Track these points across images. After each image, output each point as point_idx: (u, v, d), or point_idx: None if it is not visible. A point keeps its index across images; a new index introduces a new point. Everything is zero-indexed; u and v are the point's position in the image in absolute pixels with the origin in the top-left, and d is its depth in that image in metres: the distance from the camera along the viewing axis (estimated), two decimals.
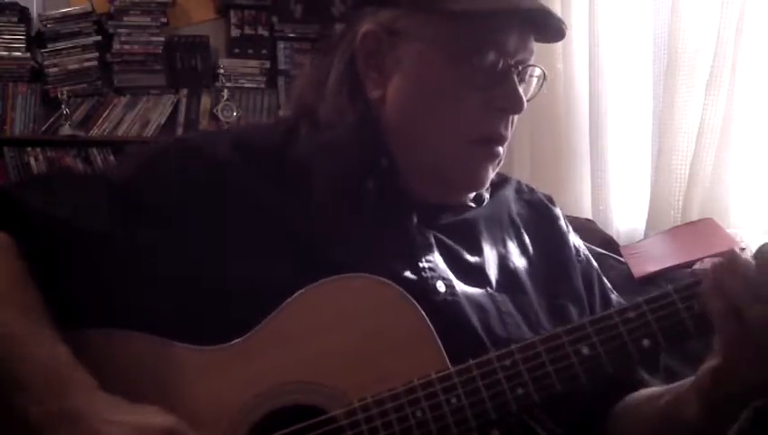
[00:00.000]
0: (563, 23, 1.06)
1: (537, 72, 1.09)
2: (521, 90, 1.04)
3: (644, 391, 1.09)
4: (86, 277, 0.98)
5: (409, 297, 0.92)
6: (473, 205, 1.13)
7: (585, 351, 0.89)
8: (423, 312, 0.92)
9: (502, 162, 1.10)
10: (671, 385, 1.02)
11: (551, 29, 1.06)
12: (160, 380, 0.94)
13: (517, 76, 1.04)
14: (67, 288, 0.97)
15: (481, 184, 1.09)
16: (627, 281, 1.98)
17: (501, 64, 1.02)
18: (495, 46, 1.02)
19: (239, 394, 0.92)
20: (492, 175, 1.09)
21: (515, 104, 1.04)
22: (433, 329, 0.92)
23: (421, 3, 1.03)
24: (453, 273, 1.04)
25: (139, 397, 0.90)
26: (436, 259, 1.03)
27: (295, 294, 0.94)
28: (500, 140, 1.06)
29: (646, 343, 0.88)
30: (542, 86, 1.10)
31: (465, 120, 1.03)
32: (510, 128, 1.07)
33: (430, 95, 1.04)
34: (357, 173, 1.04)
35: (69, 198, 1.03)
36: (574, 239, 1.21)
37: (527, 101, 1.07)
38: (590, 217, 2.64)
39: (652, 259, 2.13)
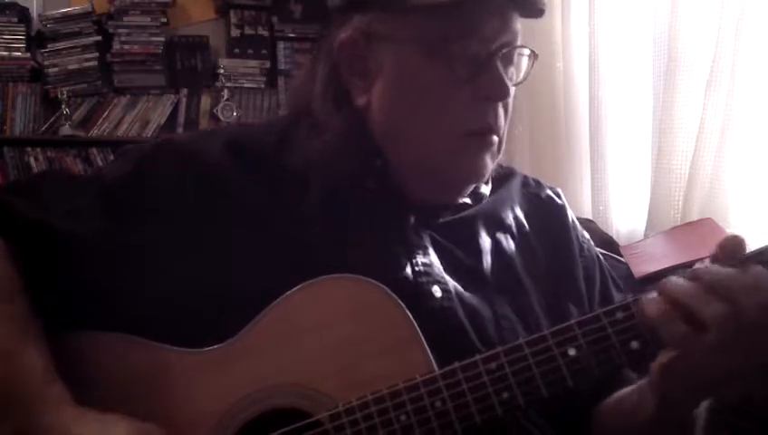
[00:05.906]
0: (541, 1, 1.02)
1: (526, 51, 1.06)
2: (506, 75, 1.01)
3: (621, 390, 1.06)
4: (78, 280, 0.98)
5: (395, 298, 0.91)
6: (470, 202, 1.10)
7: (572, 353, 0.87)
8: (409, 313, 0.91)
9: (501, 152, 1.06)
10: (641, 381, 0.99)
11: (529, 7, 1.02)
12: (142, 383, 0.94)
13: (502, 60, 1.01)
14: (60, 291, 0.97)
15: (479, 176, 1.05)
16: (627, 281, 1.97)
17: (481, 52, 0.99)
18: (471, 34, 0.98)
19: (223, 398, 0.92)
20: (491, 166, 1.05)
21: (500, 91, 1.01)
22: (419, 331, 0.90)
23: (390, 3, 1.00)
24: (449, 274, 1.02)
25: (121, 400, 0.91)
26: (433, 262, 1.02)
27: (280, 298, 0.93)
28: (492, 130, 1.02)
29: (634, 344, 0.86)
30: (533, 65, 1.06)
31: (452, 115, 1.00)
32: (504, 116, 1.03)
33: (414, 96, 1.02)
34: (352, 175, 1.03)
35: (61, 202, 1.02)
36: (581, 235, 1.18)
37: (520, 82, 1.04)
38: (590, 217, 2.64)
39: (652, 259, 2.13)
